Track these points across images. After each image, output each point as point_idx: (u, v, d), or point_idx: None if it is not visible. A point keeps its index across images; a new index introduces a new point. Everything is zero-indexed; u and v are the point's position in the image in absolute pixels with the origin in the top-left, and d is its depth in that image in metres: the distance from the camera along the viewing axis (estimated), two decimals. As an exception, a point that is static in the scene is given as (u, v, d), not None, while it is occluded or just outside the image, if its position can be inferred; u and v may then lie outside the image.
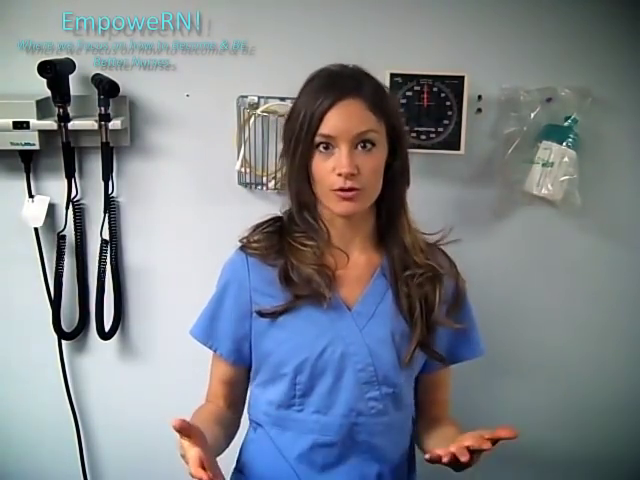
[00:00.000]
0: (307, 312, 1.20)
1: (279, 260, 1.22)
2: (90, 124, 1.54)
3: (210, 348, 1.28)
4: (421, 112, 1.54)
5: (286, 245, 1.23)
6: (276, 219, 1.28)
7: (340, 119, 1.14)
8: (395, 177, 1.21)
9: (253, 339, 1.24)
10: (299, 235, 1.23)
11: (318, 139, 1.15)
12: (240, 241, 1.27)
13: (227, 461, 1.30)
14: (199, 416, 1.23)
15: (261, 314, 1.21)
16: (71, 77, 1.53)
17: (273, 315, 1.21)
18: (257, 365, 1.26)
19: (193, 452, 0.99)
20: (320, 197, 1.19)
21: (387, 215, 1.24)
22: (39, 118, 1.52)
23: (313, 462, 1.21)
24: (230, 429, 1.28)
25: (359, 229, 1.24)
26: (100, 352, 1.71)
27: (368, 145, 1.15)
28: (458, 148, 1.55)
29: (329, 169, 1.15)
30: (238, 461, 1.32)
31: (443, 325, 1.23)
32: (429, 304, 1.21)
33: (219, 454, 1.18)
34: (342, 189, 1.14)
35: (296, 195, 1.22)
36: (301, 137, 1.16)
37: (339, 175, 1.14)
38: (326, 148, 1.16)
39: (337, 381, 1.19)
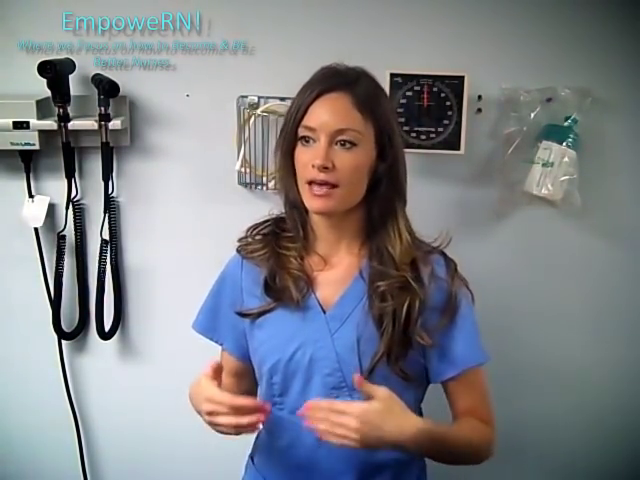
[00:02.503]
0: (282, 314, 1.21)
1: (266, 263, 1.23)
2: (90, 124, 1.54)
3: (216, 342, 1.31)
4: (421, 112, 1.53)
5: (272, 249, 1.24)
6: (271, 220, 1.28)
7: (322, 112, 1.13)
8: (380, 183, 1.17)
9: (247, 337, 1.27)
10: (285, 237, 1.24)
11: (301, 131, 1.15)
12: (238, 241, 1.29)
13: (242, 444, 1.30)
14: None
15: (241, 315, 1.24)
16: (71, 77, 1.53)
17: (250, 316, 1.23)
18: (252, 361, 1.28)
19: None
20: (300, 193, 1.18)
21: (374, 222, 1.20)
22: (39, 118, 1.52)
23: (294, 460, 1.21)
24: None
25: (343, 231, 1.22)
26: (100, 352, 1.71)
27: (347, 144, 1.13)
28: (458, 148, 1.54)
29: (306, 161, 1.14)
30: (253, 446, 1.34)
31: (418, 340, 1.16)
32: (400, 316, 1.15)
33: None
34: (315, 182, 1.13)
35: (285, 191, 1.22)
36: (287, 128, 1.16)
37: (313, 167, 1.12)
38: (307, 141, 1.15)
39: (307, 384, 1.19)
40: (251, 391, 1.31)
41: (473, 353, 1.23)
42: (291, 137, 1.16)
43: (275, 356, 1.20)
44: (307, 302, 1.20)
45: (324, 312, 1.20)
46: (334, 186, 1.13)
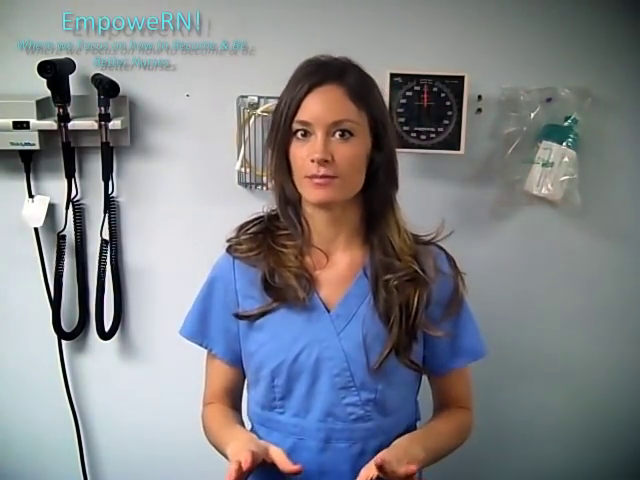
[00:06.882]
0: (284, 315, 1.18)
1: (262, 262, 1.20)
2: (90, 124, 1.54)
3: (205, 348, 1.27)
4: (421, 112, 1.53)
5: (267, 247, 1.21)
6: (263, 218, 1.26)
7: (317, 105, 1.12)
8: (378, 172, 1.17)
9: (240, 340, 1.24)
10: (280, 234, 1.22)
11: (295, 125, 1.13)
12: (227, 241, 1.26)
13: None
14: (220, 422, 1.23)
15: (238, 317, 1.21)
16: (71, 77, 1.53)
17: (250, 318, 1.20)
18: (245, 365, 1.26)
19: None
20: (297, 187, 1.17)
21: (372, 213, 1.20)
22: (39, 118, 1.52)
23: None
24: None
25: (341, 226, 1.20)
26: (100, 352, 1.71)
27: (346, 134, 1.12)
28: (458, 148, 1.54)
29: (304, 156, 1.12)
30: None
31: (427, 332, 1.19)
32: (409, 309, 1.16)
33: None
34: (315, 176, 1.12)
35: (279, 187, 1.20)
36: (280, 123, 1.14)
37: (312, 161, 1.11)
38: (304, 135, 1.13)
39: (313, 385, 1.17)
40: (241, 396, 1.30)
41: (478, 345, 1.27)
42: (284, 133, 1.14)
43: (278, 358, 1.18)
44: (310, 302, 1.18)
45: (328, 311, 1.19)
46: (334, 177, 1.12)
